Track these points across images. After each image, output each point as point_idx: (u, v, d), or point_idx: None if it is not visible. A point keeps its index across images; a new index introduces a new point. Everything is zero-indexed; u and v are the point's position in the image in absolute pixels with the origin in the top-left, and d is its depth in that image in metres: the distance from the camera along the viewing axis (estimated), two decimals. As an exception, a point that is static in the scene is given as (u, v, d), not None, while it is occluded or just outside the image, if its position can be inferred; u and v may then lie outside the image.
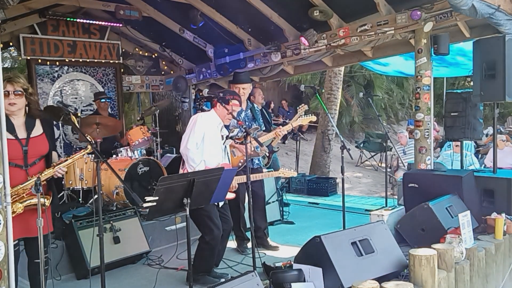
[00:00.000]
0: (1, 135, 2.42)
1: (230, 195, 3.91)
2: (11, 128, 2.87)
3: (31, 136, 2.99)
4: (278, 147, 5.70)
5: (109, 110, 6.89)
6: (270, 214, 5.16)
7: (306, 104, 4.99)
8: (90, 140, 3.01)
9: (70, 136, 7.03)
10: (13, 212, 2.75)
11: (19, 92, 2.90)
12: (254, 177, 4.17)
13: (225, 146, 4.07)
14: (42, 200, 2.91)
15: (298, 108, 4.84)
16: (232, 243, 4.62)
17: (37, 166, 2.98)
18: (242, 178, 4.06)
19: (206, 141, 3.80)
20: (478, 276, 3.48)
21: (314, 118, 4.79)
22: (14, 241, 2.82)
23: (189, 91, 7.95)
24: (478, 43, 4.57)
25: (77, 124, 3.12)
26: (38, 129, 3.05)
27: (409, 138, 9.23)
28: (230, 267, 4.12)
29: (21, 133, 2.96)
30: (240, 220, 4.64)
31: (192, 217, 3.60)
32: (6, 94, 2.83)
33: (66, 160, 3.03)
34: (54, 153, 3.16)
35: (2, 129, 2.42)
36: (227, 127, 4.44)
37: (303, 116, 4.76)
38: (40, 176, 2.83)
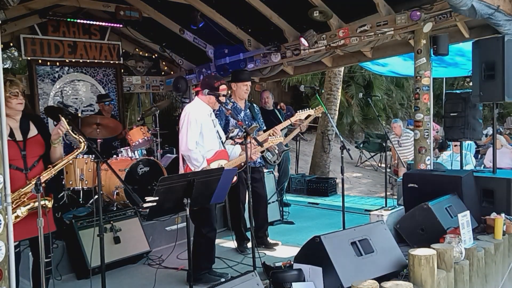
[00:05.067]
0: (1, 135, 2.43)
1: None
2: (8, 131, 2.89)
3: (28, 137, 3.04)
4: (289, 146, 5.69)
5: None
6: (270, 214, 5.15)
7: (321, 107, 4.97)
8: (85, 140, 3.05)
9: (71, 137, 7.03)
10: (17, 217, 2.77)
11: (23, 93, 2.98)
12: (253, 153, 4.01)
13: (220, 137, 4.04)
14: (44, 202, 2.93)
15: (314, 109, 4.89)
16: (232, 243, 4.63)
17: (36, 169, 3.01)
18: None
19: (204, 136, 3.80)
20: (478, 276, 3.49)
21: (311, 112, 4.80)
22: (14, 242, 2.84)
23: (189, 91, 7.96)
24: (478, 44, 4.58)
25: (70, 130, 3.11)
26: (33, 131, 3.10)
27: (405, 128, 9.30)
28: (230, 267, 4.12)
29: (18, 136, 3.00)
30: (240, 220, 4.65)
31: (194, 213, 3.63)
32: (16, 95, 2.92)
33: (62, 160, 3.06)
34: (58, 149, 3.16)
35: (2, 129, 2.43)
36: (226, 125, 4.45)
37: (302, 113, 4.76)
38: (40, 177, 2.84)
